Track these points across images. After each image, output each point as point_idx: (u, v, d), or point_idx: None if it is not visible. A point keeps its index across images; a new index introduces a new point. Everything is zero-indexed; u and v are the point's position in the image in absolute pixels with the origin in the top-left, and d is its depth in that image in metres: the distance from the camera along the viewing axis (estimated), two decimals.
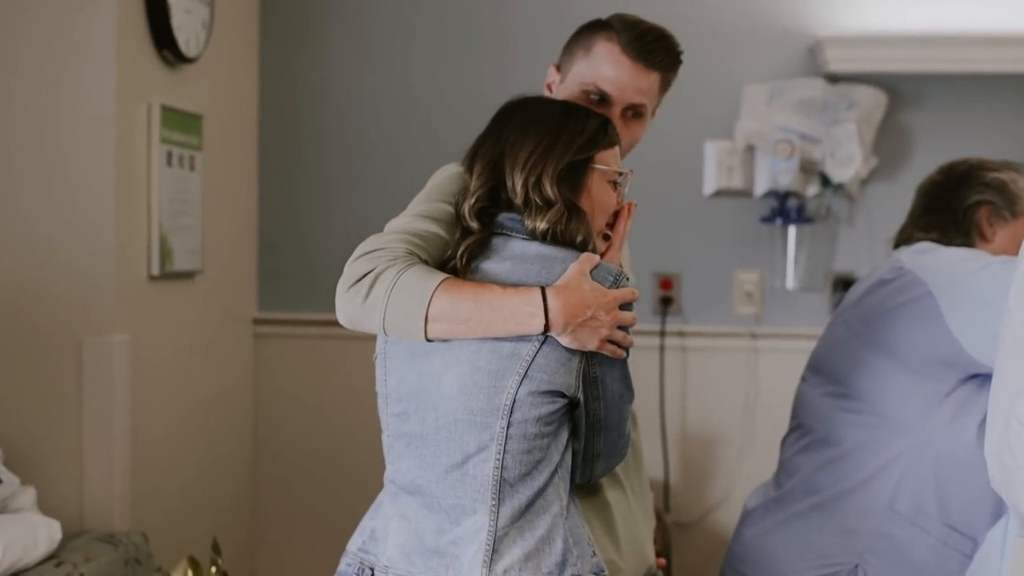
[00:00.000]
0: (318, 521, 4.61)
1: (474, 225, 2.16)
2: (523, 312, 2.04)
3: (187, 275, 4.05)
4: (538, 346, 2.07)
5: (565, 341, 2.07)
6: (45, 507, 3.43)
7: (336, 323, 4.69)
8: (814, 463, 2.79)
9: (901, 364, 2.70)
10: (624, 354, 2.14)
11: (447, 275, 2.08)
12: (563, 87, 2.41)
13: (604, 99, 2.38)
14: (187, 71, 3.98)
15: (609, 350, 2.10)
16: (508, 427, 2.08)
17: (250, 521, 4.63)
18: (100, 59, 3.55)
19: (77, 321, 3.56)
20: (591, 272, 2.09)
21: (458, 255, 2.15)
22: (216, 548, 3.03)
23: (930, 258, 2.76)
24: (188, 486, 4.09)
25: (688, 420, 4.53)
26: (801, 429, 2.88)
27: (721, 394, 4.52)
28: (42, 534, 3.20)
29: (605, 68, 2.38)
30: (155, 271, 3.78)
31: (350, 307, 2.14)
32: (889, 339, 2.73)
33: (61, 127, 3.56)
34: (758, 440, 4.40)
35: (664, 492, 4.47)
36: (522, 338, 2.07)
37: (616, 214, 2.24)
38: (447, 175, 2.30)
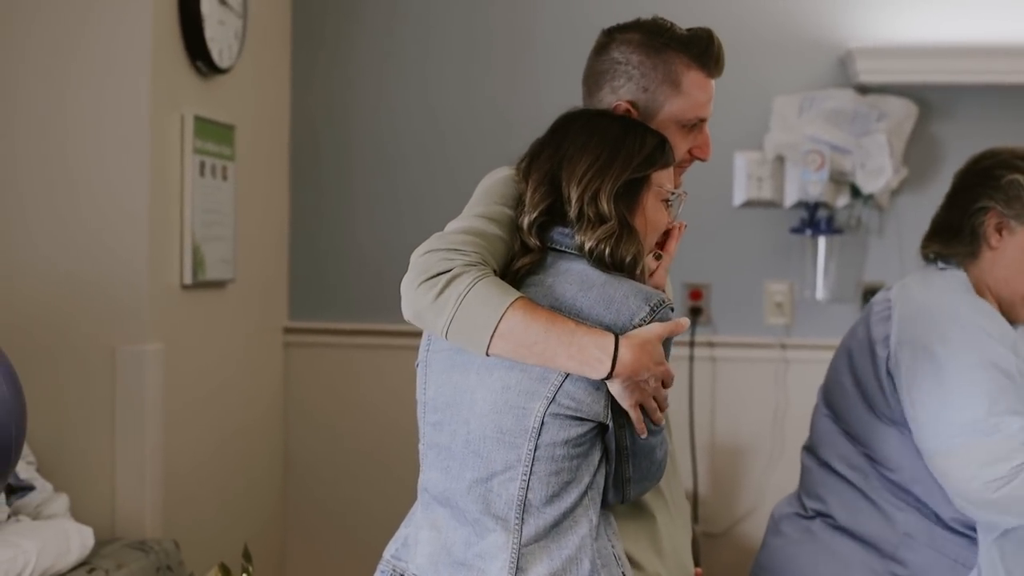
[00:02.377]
0: (348, 529, 4.62)
1: (534, 242, 2.14)
2: (591, 355, 2.01)
3: (219, 284, 4.07)
4: (567, 372, 2.06)
5: (615, 389, 2.05)
6: (78, 514, 3.46)
7: (366, 332, 4.75)
8: (826, 487, 2.77)
9: (876, 412, 2.68)
10: (645, 432, 2.10)
11: (521, 294, 2.05)
12: (655, 126, 2.29)
13: (700, 121, 2.37)
14: (220, 82, 4.01)
15: (636, 417, 2.08)
16: (536, 449, 2.07)
17: (280, 529, 4.65)
18: (134, 70, 3.58)
19: (110, 329, 3.59)
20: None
21: (514, 270, 2.14)
22: (247, 555, 3.04)
23: (911, 301, 2.67)
24: (219, 494, 4.11)
25: (717, 430, 4.53)
26: (813, 450, 2.86)
27: (750, 404, 4.51)
28: (75, 540, 3.22)
29: (700, 97, 2.33)
30: (188, 280, 3.80)
31: (420, 303, 2.07)
32: (863, 382, 2.71)
33: (96, 137, 3.59)
34: (787, 451, 4.39)
35: (693, 502, 4.46)
36: None
37: (666, 232, 2.22)
38: (500, 178, 2.26)
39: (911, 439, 2.62)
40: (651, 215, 2.16)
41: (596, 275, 2.10)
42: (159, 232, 3.66)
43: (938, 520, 2.63)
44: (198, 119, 3.82)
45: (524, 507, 2.08)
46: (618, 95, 2.33)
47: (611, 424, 2.09)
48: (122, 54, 3.58)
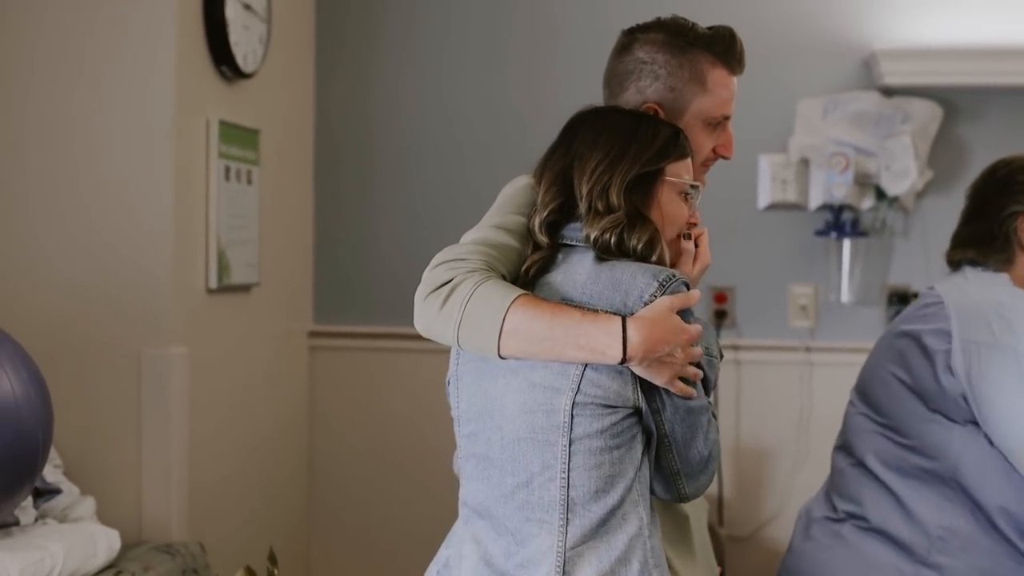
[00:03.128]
0: (373, 532, 4.63)
1: (543, 240, 2.13)
2: (601, 342, 1.99)
3: (244, 288, 4.08)
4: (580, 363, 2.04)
5: (637, 371, 2.02)
6: (104, 517, 3.47)
7: (391, 336, 4.76)
8: (860, 487, 2.76)
9: (926, 403, 2.67)
10: (694, 393, 2.06)
11: (524, 291, 2.04)
12: (682, 125, 2.30)
13: (724, 119, 2.38)
14: (244, 86, 4.02)
15: (678, 388, 2.04)
16: (570, 444, 2.04)
17: (306, 532, 4.66)
18: (160, 75, 3.59)
19: (136, 333, 3.60)
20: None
21: (524, 270, 2.13)
22: (272, 558, 3.05)
23: (963, 295, 2.69)
24: (245, 497, 4.12)
25: (742, 433, 4.52)
26: (847, 448, 2.85)
27: (775, 408, 4.50)
28: (101, 543, 3.24)
29: (725, 95, 2.35)
30: (213, 284, 3.82)
31: (427, 316, 2.08)
32: (911, 375, 2.70)
33: (121, 142, 3.60)
34: (812, 454, 4.38)
35: (718, 506, 4.45)
36: None
37: (692, 234, 2.21)
38: (519, 187, 2.26)
39: (958, 428, 2.62)
40: (667, 208, 2.14)
41: (605, 263, 2.08)
42: (184, 236, 3.67)
43: (982, 514, 2.62)
44: (223, 124, 3.84)
45: (568, 506, 2.04)
46: (644, 95, 2.34)
47: (644, 407, 2.05)
48: (147, 59, 3.60)
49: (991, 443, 2.61)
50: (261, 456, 4.26)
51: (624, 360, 1.99)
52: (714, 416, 2.14)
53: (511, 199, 2.24)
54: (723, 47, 2.34)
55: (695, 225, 2.22)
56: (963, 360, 2.61)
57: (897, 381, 2.72)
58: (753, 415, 4.52)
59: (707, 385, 2.12)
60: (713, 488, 4.41)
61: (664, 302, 2.01)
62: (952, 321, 2.64)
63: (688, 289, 2.07)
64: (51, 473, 3.39)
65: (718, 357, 2.18)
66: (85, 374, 3.60)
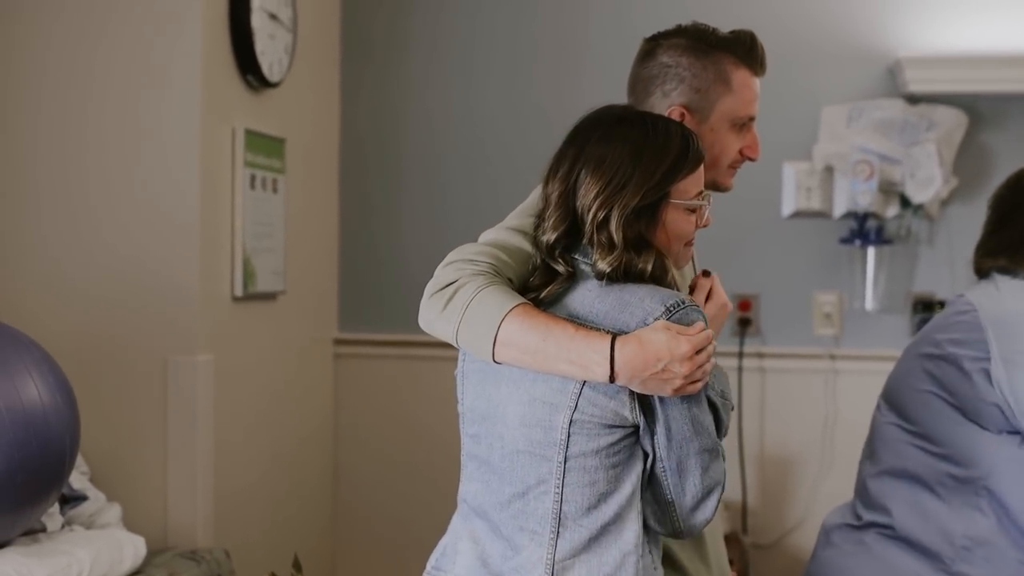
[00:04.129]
0: (398, 539, 4.63)
1: (565, 268, 2.10)
2: (589, 358, 1.98)
3: (269, 296, 4.10)
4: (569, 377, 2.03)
5: (636, 389, 2.01)
6: (130, 523, 3.49)
7: (415, 344, 4.77)
8: (887, 495, 2.75)
9: (960, 410, 2.67)
10: (699, 387, 2.02)
11: (524, 301, 2.04)
12: (709, 126, 2.34)
13: (750, 120, 2.40)
14: (270, 95, 4.04)
15: (693, 391, 2.01)
16: (565, 461, 2.04)
17: (330, 538, 4.67)
18: (186, 84, 3.61)
19: (162, 341, 3.62)
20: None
21: (543, 296, 2.10)
22: (297, 565, 3.06)
23: (997, 304, 2.68)
24: (270, 503, 4.13)
25: (766, 441, 4.51)
26: (874, 457, 2.84)
27: (800, 415, 4.49)
28: (127, 550, 3.25)
29: (749, 95, 2.38)
30: (238, 292, 3.83)
31: (430, 313, 2.12)
32: (943, 384, 2.69)
33: (147, 150, 3.63)
34: (837, 462, 4.38)
35: (742, 513, 4.45)
36: None
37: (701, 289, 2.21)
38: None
39: (992, 436, 2.62)
40: (673, 227, 2.10)
41: (616, 284, 2.06)
42: (210, 244, 3.69)
43: (1010, 524, 2.61)
44: (249, 132, 3.86)
45: (559, 520, 2.05)
46: (670, 99, 2.36)
47: (642, 424, 2.03)
48: (173, 68, 3.62)
49: None
50: (286, 463, 4.27)
51: (612, 379, 1.99)
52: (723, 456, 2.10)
53: (534, 204, 2.24)
54: (745, 49, 2.37)
55: (707, 226, 2.18)
56: (1003, 371, 2.60)
57: (930, 393, 2.70)
58: (778, 423, 4.51)
59: (719, 427, 2.10)
60: (737, 495, 4.41)
61: (658, 324, 1.99)
62: (988, 332, 2.64)
63: (702, 317, 2.04)
64: (78, 480, 3.41)
65: (732, 404, 2.15)
66: (111, 381, 3.62)
